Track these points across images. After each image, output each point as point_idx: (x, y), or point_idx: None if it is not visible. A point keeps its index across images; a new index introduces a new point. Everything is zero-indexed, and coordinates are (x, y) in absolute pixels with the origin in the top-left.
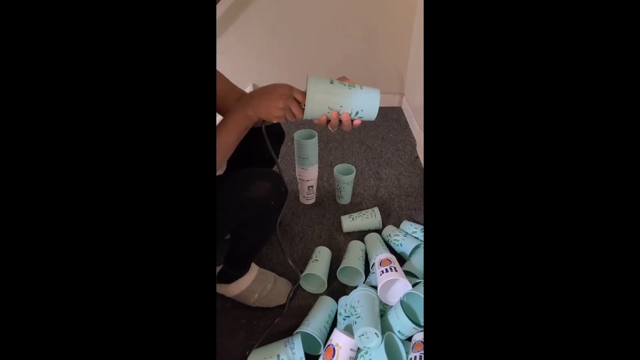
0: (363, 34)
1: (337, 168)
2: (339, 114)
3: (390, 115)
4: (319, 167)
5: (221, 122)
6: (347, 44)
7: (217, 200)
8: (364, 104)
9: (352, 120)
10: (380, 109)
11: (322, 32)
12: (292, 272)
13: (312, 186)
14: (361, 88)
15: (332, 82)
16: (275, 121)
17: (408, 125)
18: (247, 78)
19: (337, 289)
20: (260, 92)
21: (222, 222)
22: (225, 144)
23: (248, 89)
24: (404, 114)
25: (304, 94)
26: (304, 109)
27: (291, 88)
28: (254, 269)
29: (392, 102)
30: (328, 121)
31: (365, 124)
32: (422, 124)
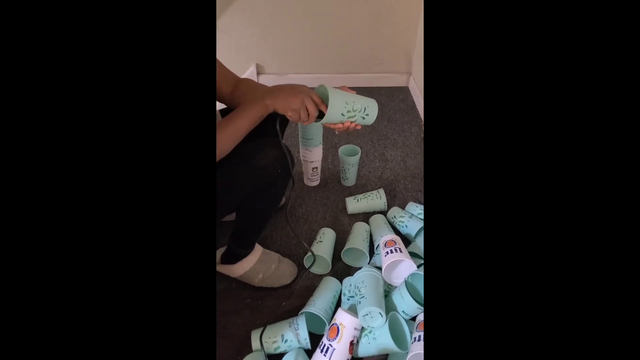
0: (370, 11)
1: (342, 149)
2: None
3: (397, 96)
4: (323, 148)
5: (238, 109)
6: (353, 22)
7: (223, 172)
8: (368, 109)
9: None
10: (387, 89)
11: (328, 10)
12: (297, 254)
13: (316, 167)
14: (362, 96)
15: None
16: (289, 115)
17: (415, 106)
18: (251, 57)
19: (342, 270)
20: (280, 87)
21: (230, 193)
22: (241, 130)
23: (251, 69)
24: (410, 94)
25: (319, 98)
26: (319, 112)
27: (310, 89)
28: (258, 249)
29: (399, 81)
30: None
31: None
32: None
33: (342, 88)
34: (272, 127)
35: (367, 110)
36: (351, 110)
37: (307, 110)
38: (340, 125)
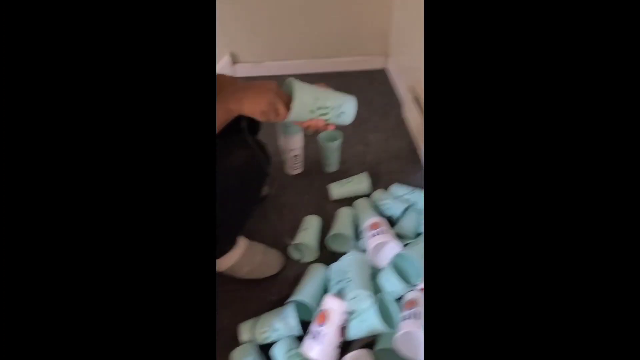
0: None
1: (322, 135)
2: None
3: (376, 79)
4: (304, 135)
5: None
6: (326, 4)
7: None
8: (344, 107)
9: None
10: (365, 72)
11: None
12: (284, 243)
13: (297, 155)
14: (339, 93)
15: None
16: (258, 116)
17: (394, 87)
18: (224, 46)
19: (329, 257)
20: (246, 87)
21: None
22: None
23: (225, 59)
24: (389, 76)
25: (288, 95)
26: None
27: (278, 86)
28: (243, 242)
29: (377, 64)
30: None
31: (350, 87)
32: (410, 84)
33: (319, 85)
34: (242, 126)
35: (343, 108)
36: (322, 107)
37: (277, 110)
38: (309, 123)
